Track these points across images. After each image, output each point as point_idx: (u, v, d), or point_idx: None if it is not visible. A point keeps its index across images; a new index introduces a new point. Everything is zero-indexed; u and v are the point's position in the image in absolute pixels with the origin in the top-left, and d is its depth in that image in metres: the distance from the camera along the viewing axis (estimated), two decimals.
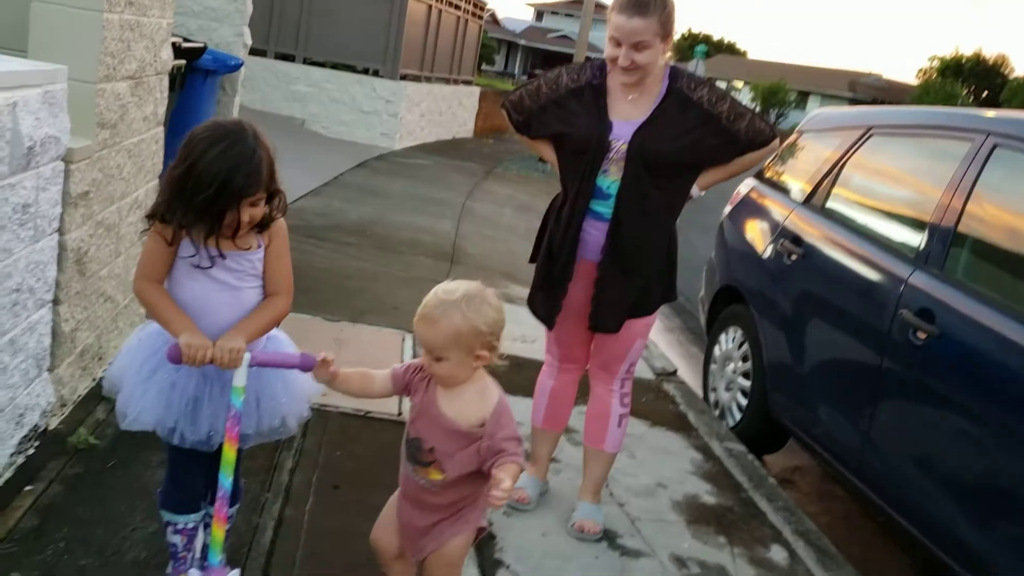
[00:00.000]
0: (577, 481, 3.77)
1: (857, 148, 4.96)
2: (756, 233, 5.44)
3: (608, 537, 3.56)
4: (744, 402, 5.20)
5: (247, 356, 2.36)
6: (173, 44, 4.67)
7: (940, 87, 59.50)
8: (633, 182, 3.28)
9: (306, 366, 2.46)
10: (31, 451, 3.29)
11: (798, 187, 5.32)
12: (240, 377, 2.35)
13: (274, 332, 2.59)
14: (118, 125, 3.80)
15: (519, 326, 6.05)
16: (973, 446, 3.42)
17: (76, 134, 3.36)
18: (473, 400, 2.40)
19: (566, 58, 32.93)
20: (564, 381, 3.72)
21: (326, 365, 2.41)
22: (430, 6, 17.07)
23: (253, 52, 10.94)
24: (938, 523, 3.55)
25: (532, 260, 3.66)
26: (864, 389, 4.04)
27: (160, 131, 4.45)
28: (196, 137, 2.30)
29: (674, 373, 5.79)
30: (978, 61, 66.94)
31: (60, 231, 3.33)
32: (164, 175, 2.46)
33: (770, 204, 5.48)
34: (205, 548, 2.59)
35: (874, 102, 49.90)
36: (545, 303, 3.53)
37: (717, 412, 5.44)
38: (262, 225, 2.41)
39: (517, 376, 5.05)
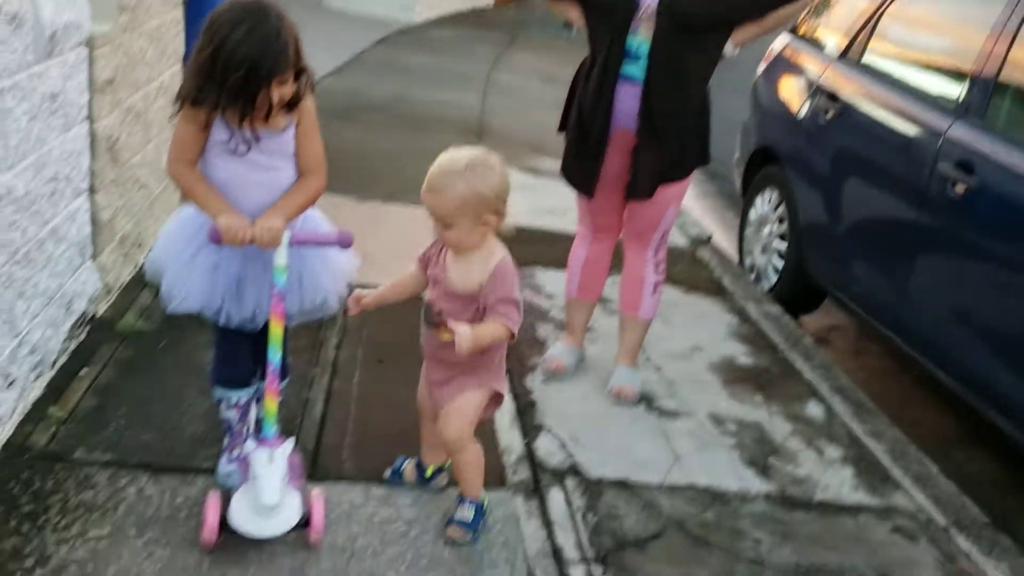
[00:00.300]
0: (613, 349, 3.83)
1: None
2: (791, 92, 5.31)
3: (646, 400, 3.63)
4: (780, 264, 5.20)
5: (286, 235, 2.39)
6: None
7: None
8: (664, 41, 3.20)
9: (344, 243, 2.50)
10: (82, 337, 3.39)
11: (833, 41, 5.15)
12: (281, 256, 2.39)
13: (310, 212, 2.61)
14: (137, 8, 3.74)
15: (549, 198, 6.04)
16: (1012, 296, 3.41)
17: (96, 19, 3.32)
18: (478, 265, 2.48)
19: None
20: (597, 251, 3.73)
21: (358, 302, 2.50)
22: None
23: None
24: (976, 373, 3.59)
25: (561, 129, 3.62)
26: (901, 245, 4.02)
27: (179, 13, 4.38)
28: (218, 19, 2.26)
29: (709, 239, 5.78)
30: None
31: (90, 119, 3.34)
32: (188, 59, 2.44)
33: (805, 61, 5.33)
34: (259, 422, 2.69)
35: None
36: (582, 172, 3.50)
37: (753, 276, 5.44)
38: (291, 104, 2.40)
39: (549, 249, 5.08)
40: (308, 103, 2.47)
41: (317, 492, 2.54)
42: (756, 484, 3.17)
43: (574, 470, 3.09)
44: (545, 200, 6.02)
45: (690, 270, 5.18)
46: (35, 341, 2.98)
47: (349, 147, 6.57)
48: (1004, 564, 2.95)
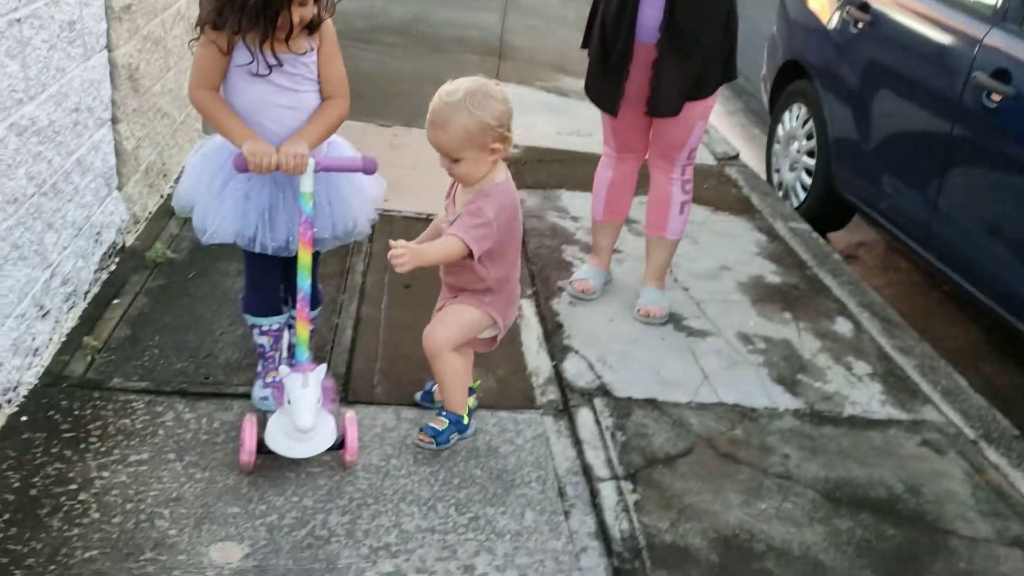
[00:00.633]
0: (640, 270, 3.82)
1: None
2: (820, 3, 5.16)
3: (674, 320, 3.63)
4: (808, 181, 5.13)
5: (311, 161, 2.38)
6: None
7: None
8: None
9: (368, 168, 2.49)
10: (113, 267, 3.43)
11: None
12: (307, 183, 2.38)
13: (334, 138, 2.60)
14: None
15: (574, 120, 5.96)
16: None
17: None
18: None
19: None
20: (623, 171, 3.69)
21: (417, 257, 2.35)
22: None
23: None
24: (1007, 287, 3.55)
25: (584, 46, 3.56)
26: (933, 158, 3.95)
27: None
28: None
29: (736, 156, 5.70)
30: None
31: (108, 48, 3.31)
32: None
33: None
34: (291, 348, 2.73)
35: None
36: (605, 90, 3.44)
37: (781, 193, 5.38)
38: (312, 27, 2.38)
39: (575, 171, 5.04)
40: (329, 26, 2.45)
41: (350, 415, 2.58)
42: (785, 400, 3.18)
43: (603, 390, 3.11)
44: (570, 121, 5.95)
45: (717, 189, 5.12)
46: (66, 272, 3.01)
47: (368, 71, 6.50)
48: None
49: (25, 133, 2.66)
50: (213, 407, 2.75)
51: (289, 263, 2.56)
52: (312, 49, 2.43)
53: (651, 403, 3.07)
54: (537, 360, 3.25)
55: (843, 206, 4.90)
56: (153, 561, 2.17)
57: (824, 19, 5.01)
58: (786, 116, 5.44)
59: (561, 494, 2.60)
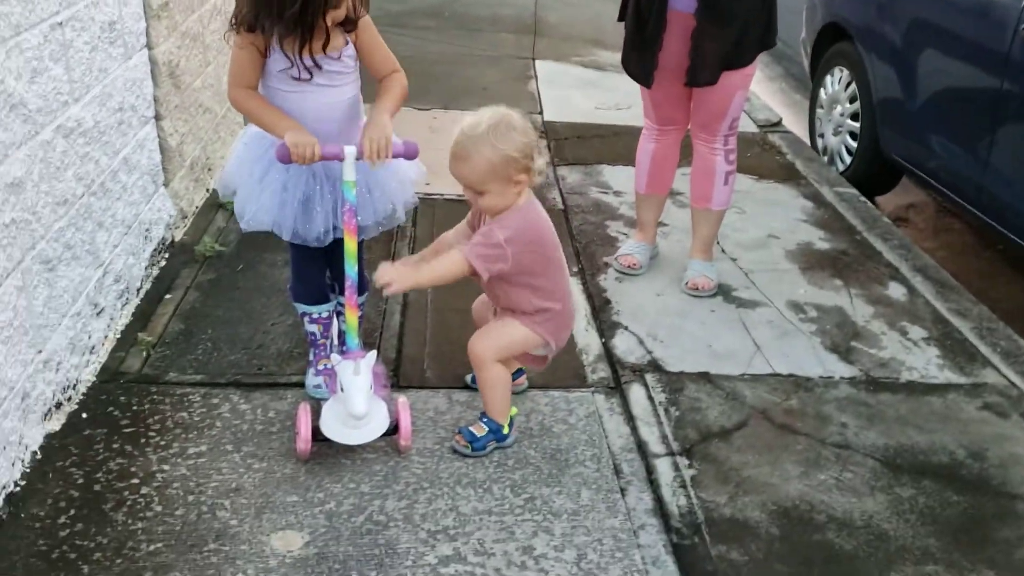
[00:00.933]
0: (686, 243, 3.78)
1: None
2: None
3: (723, 292, 3.59)
4: (853, 145, 5.04)
5: (352, 149, 2.38)
6: None
7: None
8: None
9: (410, 154, 2.49)
10: (163, 263, 3.47)
11: None
12: (350, 171, 2.39)
13: None
14: None
15: (612, 93, 5.91)
16: None
17: None
18: None
19: None
20: (665, 144, 3.64)
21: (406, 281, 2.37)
22: None
23: None
24: None
25: (620, 18, 3.51)
26: (983, 115, 3.85)
27: None
28: None
29: (778, 123, 5.61)
30: None
31: (148, 46, 3.34)
32: None
33: None
34: (341, 334, 2.74)
35: None
36: (640, 61, 3.40)
37: (826, 158, 5.29)
38: (347, 25, 2.39)
39: (616, 144, 5.00)
40: (365, 19, 2.46)
41: (403, 400, 2.60)
42: (840, 369, 3.13)
43: (654, 365, 3.09)
44: (607, 95, 5.90)
45: (760, 156, 5.05)
46: (119, 270, 3.06)
47: (403, 55, 6.44)
48: None
49: (72, 135, 2.69)
50: (267, 397, 2.78)
51: (334, 251, 2.58)
52: (348, 43, 2.44)
53: (703, 376, 3.04)
54: (586, 338, 3.23)
55: (890, 168, 4.80)
56: (216, 552, 2.21)
57: None
58: (828, 79, 5.33)
59: (616, 472, 2.59)
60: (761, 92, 6.39)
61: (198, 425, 2.64)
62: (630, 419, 2.82)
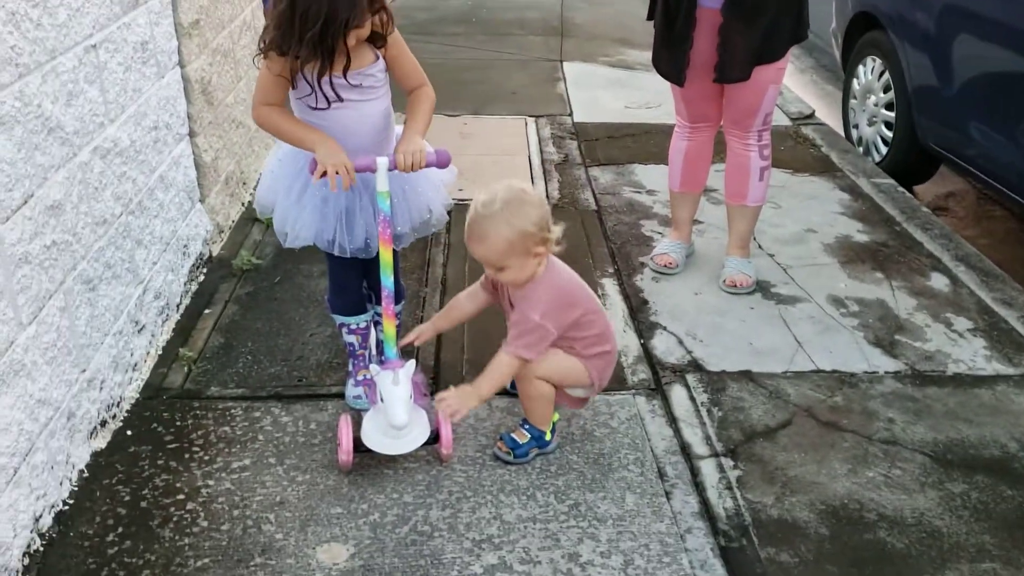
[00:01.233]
0: (723, 240, 3.74)
1: None
2: None
3: (761, 288, 3.55)
4: (889, 135, 4.96)
5: (385, 160, 2.38)
6: None
7: None
8: None
9: (442, 163, 2.48)
10: (201, 278, 3.50)
11: None
12: (383, 181, 2.39)
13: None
14: None
15: (642, 92, 5.88)
16: None
17: None
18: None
19: None
20: (698, 141, 3.61)
21: (468, 402, 2.39)
22: None
23: None
24: None
25: (649, 17, 3.49)
26: (1021, 98, 3.77)
27: None
28: None
29: (812, 115, 5.55)
30: None
31: (180, 64, 3.37)
32: (269, 6, 2.43)
33: None
34: (379, 344, 2.74)
35: None
36: (671, 59, 3.37)
37: (861, 149, 5.22)
38: (377, 40, 2.38)
39: (646, 144, 4.97)
40: (393, 34, 2.46)
41: None
42: (884, 363, 3.08)
43: (694, 365, 3.06)
44: (637, 94, 5.87)
45: (794, 150, 4.99)
46: (158, 287, 3.09)
47: (433, 62, 6.47)
48: None
49: (108, 155, 2.72)
50: (308, 408, 2.79)
51: (370, 262, 2.58)
52: (377, 58, 2.44)
53: (745, 375, 3.01)
54: (624, 339, 3.21)
55: (928, 157, 4.73)
56: (263, 566, 2.21)
57: None
58: (860, 69, 5.26)
59: (661, 475, 2.56)
60: (793, 84, 6.33)
61: (241, 439, 2.65)
62: (672, 421, 2.79)
